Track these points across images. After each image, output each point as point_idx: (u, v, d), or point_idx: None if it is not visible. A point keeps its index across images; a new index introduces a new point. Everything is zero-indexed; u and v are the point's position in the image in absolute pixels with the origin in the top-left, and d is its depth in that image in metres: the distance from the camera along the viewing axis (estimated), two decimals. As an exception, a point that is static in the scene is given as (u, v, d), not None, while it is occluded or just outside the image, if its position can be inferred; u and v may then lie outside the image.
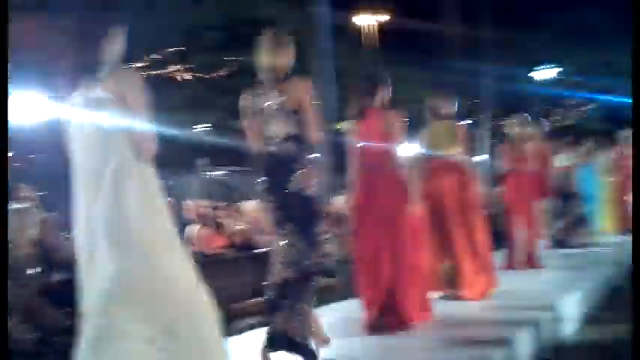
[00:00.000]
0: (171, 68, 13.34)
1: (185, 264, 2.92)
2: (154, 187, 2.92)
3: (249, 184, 5.48)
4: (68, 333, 3.28)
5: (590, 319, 6.06)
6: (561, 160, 9.83)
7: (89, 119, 2.88)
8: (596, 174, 10.68)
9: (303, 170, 3.73)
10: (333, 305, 5.88)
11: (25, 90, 9.09)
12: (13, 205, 5.23)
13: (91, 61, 2.91)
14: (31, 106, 9.32)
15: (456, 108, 6.36)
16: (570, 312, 5.67)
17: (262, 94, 3.83)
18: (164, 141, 3.03)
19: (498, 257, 7.58)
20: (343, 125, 7.52)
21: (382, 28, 19.05)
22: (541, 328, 4.87)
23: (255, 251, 7.66)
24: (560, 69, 19.95)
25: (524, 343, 4.49)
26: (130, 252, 2.77)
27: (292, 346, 3.75)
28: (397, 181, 4.92)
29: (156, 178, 2.93)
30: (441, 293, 5.88)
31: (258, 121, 3.84)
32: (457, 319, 5.09)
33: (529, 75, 20.21)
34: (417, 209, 5.02)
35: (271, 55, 3.82)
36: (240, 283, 6.65)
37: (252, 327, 5.41)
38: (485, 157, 16.88)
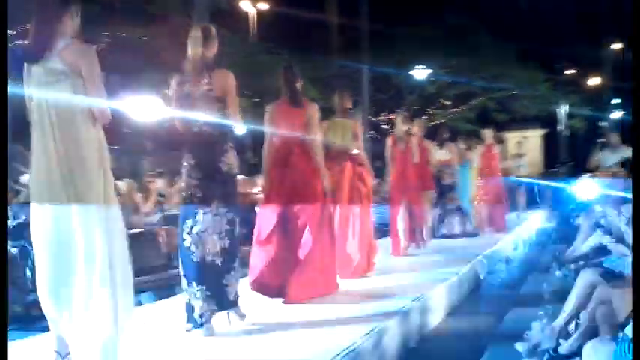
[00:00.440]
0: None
1: None
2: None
3: (121, 163, 5.52)
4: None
5: (455, 309, 6.34)
6: (440, 156, 10.51)
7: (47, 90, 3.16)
8: (469, 171, 11.31)
9: (227, 151, 4.18)
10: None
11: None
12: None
13: (50, 35, 3.17)
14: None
15: (351, 104, 7.01)
16: (438, 302, 5.89)
17: (190, 80, 4.21)
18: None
19: (384, 244, 8.01)
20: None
21: (261, 17, 19.22)
22: (409, 317, 4.99)
23: (130, 231, 7.48)
24: (433, 69, 20.58)
25: (393, 331, 4.57)
26: None
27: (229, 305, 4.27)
28: (310, 166, 5.38)
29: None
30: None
31: (185, 104, 4.20)
32: (326, 306, 5.11)
33: (407, 73, 20.71)
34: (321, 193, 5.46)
35: (200, 46, 4.21)
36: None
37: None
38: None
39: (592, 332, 3.63)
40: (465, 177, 11.07)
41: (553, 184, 17.24)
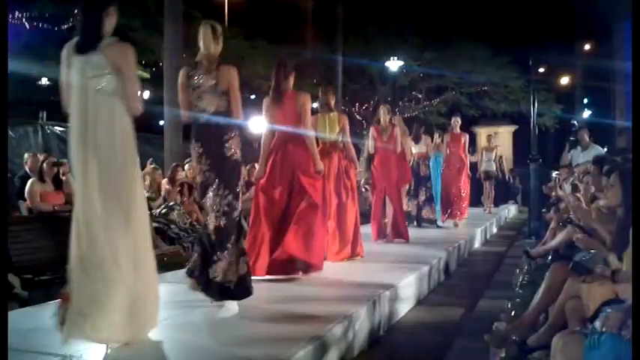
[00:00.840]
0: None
1: None
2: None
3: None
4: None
5: (425, 299, 6.38)
6: (416, 148, 10.91)
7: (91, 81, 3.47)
8: (440, 162, 11.59)
9: (232, 139, 4.52)
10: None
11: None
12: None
13: (97, 31, 3.50)
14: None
15: (335, 99, 7.44)
16: (408, 291, 5.91)
17: (199, 74, 4.56)
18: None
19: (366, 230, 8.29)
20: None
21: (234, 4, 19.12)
22: (379, 306, 4.99)
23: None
24: (406, 62, 20.63)
25: (363, 319, 4.58)
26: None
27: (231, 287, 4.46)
28: (305, 154, 5.94)
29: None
30: None
31: (193, 95, 4.57)
32: (299, 294, 5.14)
33: (382, 67, 20.72)
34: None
35: (210, 44, 4.58)
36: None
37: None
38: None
39: (561, 326, 3.66)
40: (437, 167, 11.38)
41: (523, 180, 17.43)
